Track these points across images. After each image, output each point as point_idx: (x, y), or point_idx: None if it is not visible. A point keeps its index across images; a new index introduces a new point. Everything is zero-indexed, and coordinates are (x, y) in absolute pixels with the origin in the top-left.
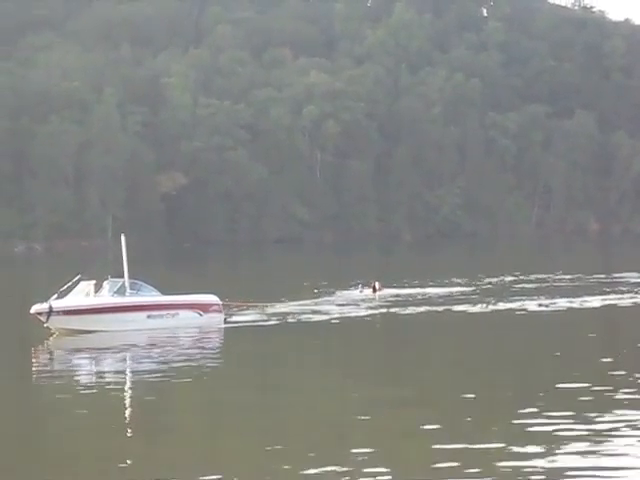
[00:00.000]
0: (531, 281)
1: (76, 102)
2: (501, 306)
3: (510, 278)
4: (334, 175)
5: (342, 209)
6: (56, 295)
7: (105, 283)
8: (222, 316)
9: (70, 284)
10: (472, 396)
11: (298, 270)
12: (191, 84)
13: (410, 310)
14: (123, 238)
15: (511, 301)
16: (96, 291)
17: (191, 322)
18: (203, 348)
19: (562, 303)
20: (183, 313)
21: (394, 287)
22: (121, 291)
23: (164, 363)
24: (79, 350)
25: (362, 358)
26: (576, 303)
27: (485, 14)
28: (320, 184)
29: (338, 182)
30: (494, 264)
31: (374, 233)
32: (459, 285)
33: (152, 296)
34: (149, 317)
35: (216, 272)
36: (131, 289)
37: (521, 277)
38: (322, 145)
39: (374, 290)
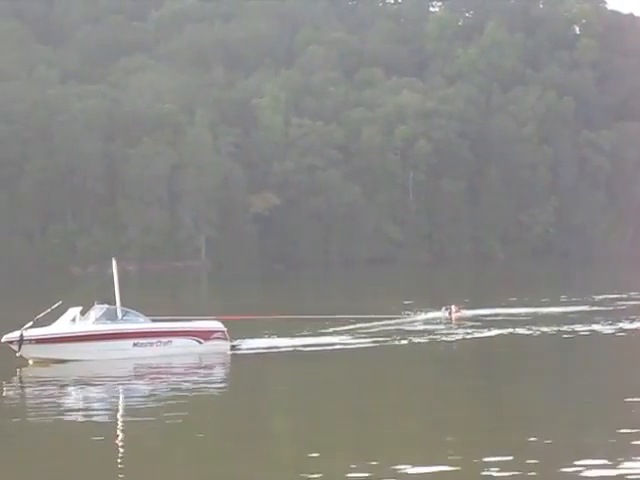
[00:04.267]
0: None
1: (169, 124)
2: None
3: (613, 296)
4: (427, 194)
5: (435, 228)
6: (31, 323)
7: (91, 310)
8: (227, 343)
9: (49, 311)
10: None
11: (388, 290)
12: (283, 105)
13: (493, 332)
14: (114, 263)
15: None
16: (82, 317)
17: (188, 350)
18: (194, 380)
19: None
20: (178, 341)
21: (480, 307)
22: (107, 317)
23: (133, 397)
24: (46, 382)
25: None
26: None
27: (577, 32)
28: (413, 204)
29: (431, 201)
30: (594, 283)
31: (467, 253)
32: (557, 305)
33: (139, 323)
34: (135, 345)
35: (305, 292)
36: (119, 316)
37: (623, 295)
38: (414, 164)
39: (450, 313)
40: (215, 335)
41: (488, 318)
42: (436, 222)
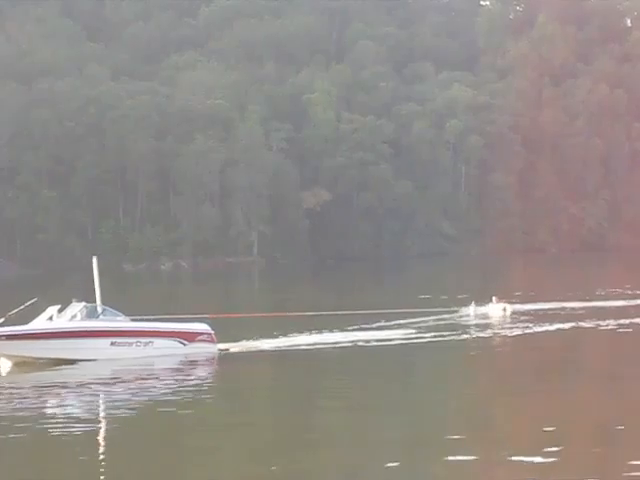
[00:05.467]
0: None
1: (220, 120)
2: None
3: None
4: (478, 189)
5: (487, 223)
6: (2, 319)
7: (68, 307)
8: (214, 346)
9: (22, 308)
10: None
11: (438, 284)
12: (334, 100)
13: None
14: (95, 260)
15: None
16: (59, 315)
17: (171, 352)
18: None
19: None
20: (159, 342)
21: (533, 302)
22: (85, 315)
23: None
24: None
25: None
26: None
27: (629, 24)
28: (464, 198)
29: (482, 196)
30: None
31: (519, 246)
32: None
33: (118, 321)
34: (113, 345)
35: (355, 288)
36: (96, 313)
37: None
38: (466, 159)
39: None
40: (200, 337)
41: (542, 312)
42: (488, 216)
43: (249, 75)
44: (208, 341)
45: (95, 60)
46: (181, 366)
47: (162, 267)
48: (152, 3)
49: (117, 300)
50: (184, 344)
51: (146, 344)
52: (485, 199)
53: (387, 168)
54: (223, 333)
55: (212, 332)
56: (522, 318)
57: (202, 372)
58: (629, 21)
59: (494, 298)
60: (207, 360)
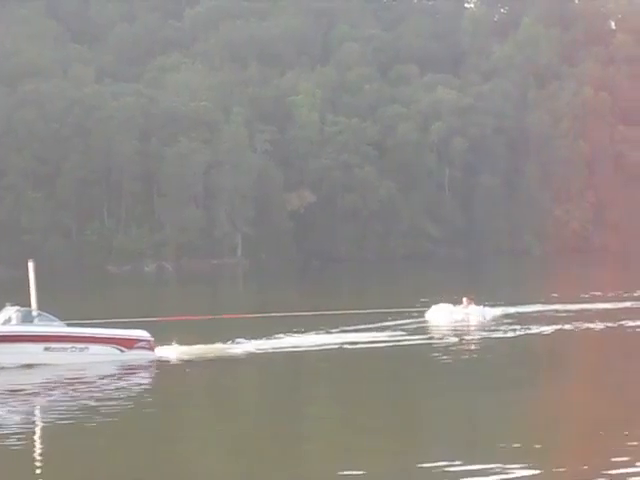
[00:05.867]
0: None
1: (204, 122)
2: None
3: None
4: (463, 191)
5: (472, 225)
6: None
7: (1, 311)
8: (153, 353)
9: None
10: None
11: (412, 286)
12: (318, 102)
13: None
14: (31, 265)
15: None
16: None
17: (107, 359)
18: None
19: None
20: (95, 348)
21: (517, 305)
22: (18, 319)
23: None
24: None
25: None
26: None
27: (613, 27)
28: (449, 200)
29: (467, 198)
30: (633, 279)
31: (504, 248)
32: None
33: (52, 326)
34: (47, 350)
35: (340, 289)
36: (30, 318)
37: None
38: (450, 161)
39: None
40: (139, 344)
41: (525, 315)
42: (472, 218)
43: (234, 77)
44: (147, 348)
45: (80, 61)
46: (115, 373)
47: (146, 269)
48: (137, 5)
49: (96, 302)
50: (122, 351)
51: (82, 350)
52: (470, 201)
53: (371, 170)
54: (193, 336)
55: (151, 339)
56: (495, 321)
57: (136, 380)
58: (613, 24)
59: (464, 299)
60: (144, 368)
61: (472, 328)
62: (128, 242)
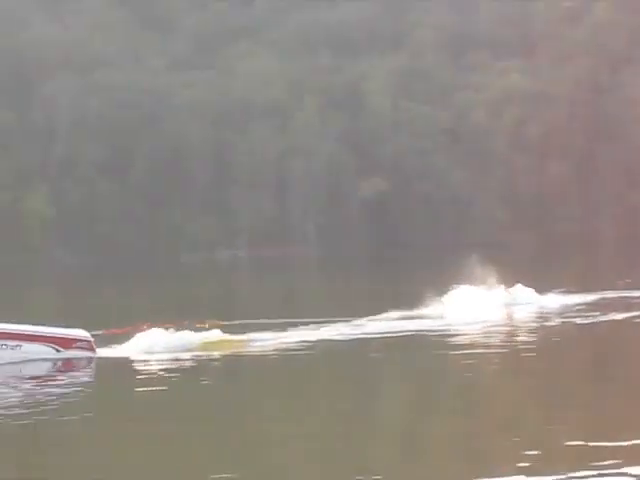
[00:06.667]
0: None
1: (276, 109)
2: None
3: None
4: (536, 177)
5: (545, 211)
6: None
7: None
8: (92, 354)
9: None
10: None
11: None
12: (390, 89)
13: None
14: None
15: None
16: None
17: (42, 357)
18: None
19: None
20: (29, 346)
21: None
22: None
23: None
24: None
25: None
26: None
27: None
28: (522, 186)
29: (540, 184)
30: None
31: (577, 235)
32: None
33: None
34: None
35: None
36: None
37: None
38: (523, 147)
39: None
40: (77, 344)
41: (596, 303)
42: (545, 205)
43: (305, 64)
44: (86, 348)
45: (151, 50)
46: (45, 374)
47: (219, 257)
48: None
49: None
50: (58, 350)
51: (13, 348)
52: (542, 187)
53: (444, 157)
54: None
55: (91, 339)
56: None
57: (69, 381)
58: None
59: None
60: (81, 368)
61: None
62: (201, 230)
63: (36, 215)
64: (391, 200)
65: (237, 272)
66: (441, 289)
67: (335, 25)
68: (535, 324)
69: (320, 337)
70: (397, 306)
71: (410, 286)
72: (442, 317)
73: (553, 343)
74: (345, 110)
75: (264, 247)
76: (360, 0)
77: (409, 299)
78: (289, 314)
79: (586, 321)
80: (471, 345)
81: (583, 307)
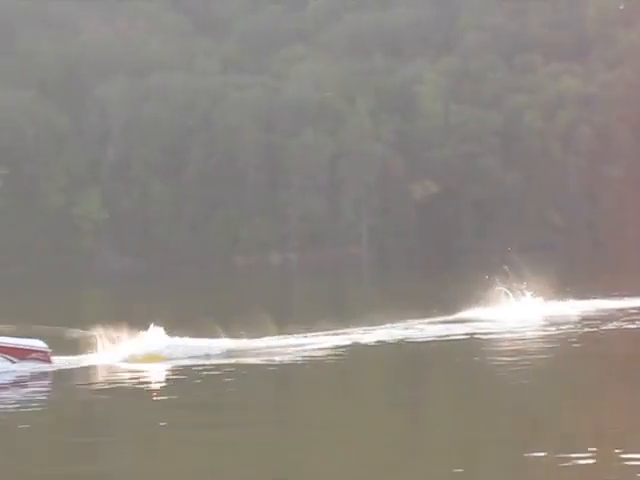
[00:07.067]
0: None
1: (329, 112)
2: None
3: None
4: (588, 180)
5: (596, 214)
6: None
7: None
8: (48, 365)
9: None
10: None
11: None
12: (442, 91)
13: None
14: None
15: None
16: None
17: None
18: None
19: None
20: None
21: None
22: None
23: None
24: None
25: None
26: None
27: None
28: (574, 189)
29: (592, 187)
30: None
31: (629, 238)
32: None
33: None
34: None
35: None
36: None
37: None
38: (576, 150)
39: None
40: (33, 355)
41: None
42: (597, 208)
43: (357, 67)
44: (42, 360)
45: (205, 53)
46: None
47: (271, 260)
48: None
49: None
50: (13, 361)
51: None
52: (595, 190)
53: (496, 159)
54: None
55: (48, 350)
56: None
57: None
58: None
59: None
60: (36, 380)
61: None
62: (253, 233)
63: (89, 217)
64: (442, 203)
65: (291, 276)
66: (489, 292)
67: (387, 27)
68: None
69: (382, 339)
70: (446, 310)
71: (460, 289)
72: (493, 320)
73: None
74: (397, 112)
75: (316, 250)
76: (412, 2)
77: (457, 302)
78: (340, 319)
79: (633, 326)
80: (522, 350)
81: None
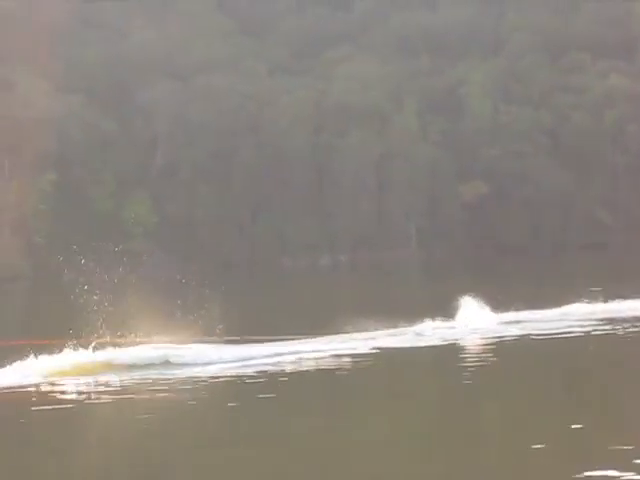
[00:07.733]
0: None
1: (376, 113)
2: None
3: None
4: (638, 178)
5: None
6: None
7: None
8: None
9: None
10: None
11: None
12: (490, 92)
13: None
14: None
15: None
16: None
17: None
18: None
19: None
20: None
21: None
22: None
23: None
24: None
25: None
26: None
27: None
28: (624, 188)
29: None
30: None
31: None
32: None
33: None
34: None
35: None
36: None
37: None
38: (625, 149)
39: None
40: None
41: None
42: None
43: (404, 68)
44: None
45: (251, 56)
46: None
47: (320, 262)
48: None
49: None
50: None
51: None
52: None
53: (545, 159)
54: None
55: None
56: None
57: None
58: None
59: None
60: None
61: None
62: (302, 235)
63: (139, 221)
64: (492, 203)
65: (345, 277)
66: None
67: (434, 29)
68: None
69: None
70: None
71: (511, 288)
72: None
73: None
74: (444, 113)
75: (365, 251)
76: (459, 3)
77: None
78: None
79: None
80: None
81: None
